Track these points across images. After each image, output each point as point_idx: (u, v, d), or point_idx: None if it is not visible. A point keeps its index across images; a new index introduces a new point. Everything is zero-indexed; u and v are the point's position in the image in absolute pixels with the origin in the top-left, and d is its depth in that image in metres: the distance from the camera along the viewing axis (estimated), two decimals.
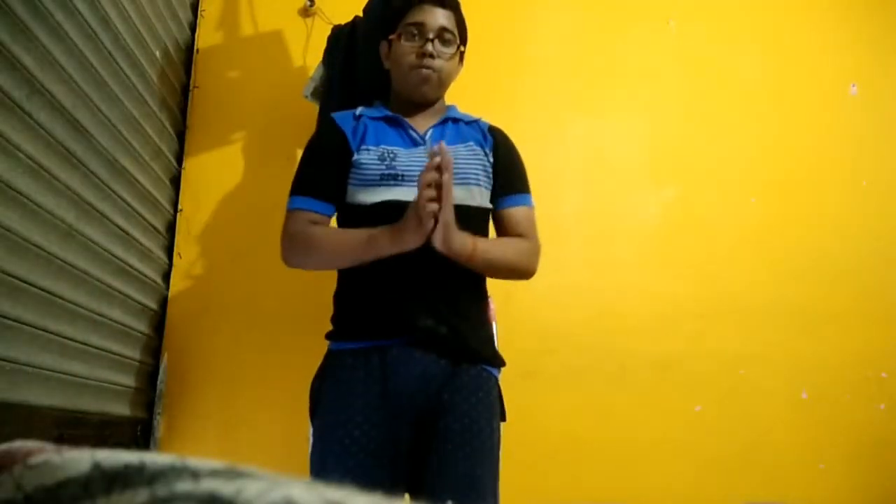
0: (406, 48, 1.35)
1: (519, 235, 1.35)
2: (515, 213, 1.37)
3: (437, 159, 1.11)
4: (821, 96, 2.22)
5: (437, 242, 1.15)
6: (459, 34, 1.39)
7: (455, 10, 1.39)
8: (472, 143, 1.38)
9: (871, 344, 2.03)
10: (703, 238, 2.08)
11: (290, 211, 1.31)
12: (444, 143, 1.13)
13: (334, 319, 1.33)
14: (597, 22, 2.23)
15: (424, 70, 1.33)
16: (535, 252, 1.35)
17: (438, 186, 1.11)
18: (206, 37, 2.13)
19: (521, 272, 1.35)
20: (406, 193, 1.25)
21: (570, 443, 1.90)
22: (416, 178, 1.24)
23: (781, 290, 2.05)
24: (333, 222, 1.36)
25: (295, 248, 1.29)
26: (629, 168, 2.12)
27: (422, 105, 1.40)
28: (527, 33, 2.21)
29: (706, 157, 2.15)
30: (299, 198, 1.31)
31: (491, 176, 1.37)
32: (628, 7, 2.25)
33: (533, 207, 1.40)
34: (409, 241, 1.16)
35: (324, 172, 1.34)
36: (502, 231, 1.38)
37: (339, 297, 1.34)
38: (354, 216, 1.30)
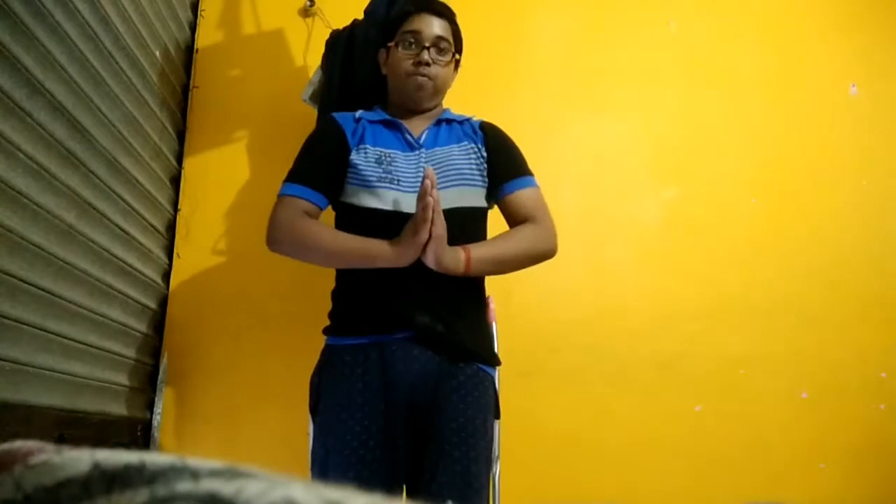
0: (403, 56, 1.38)
1: (526, 218, 1.35)
2: (519, 196, 1.37)
3: (427, 182, 1.14)
4: (821, 96, 2.22)
5: (430, 259, 1.18)
6: (455, 43, 1.43)
7: (451, 20, 1.43)
8: (465, 142, 1.40)
9: (871, 344, 2.03)
10: (703, 238, 2.08)
11: (282, 196, 1.32)
12: (430, 169, 1.16)
13: (332, 315, 1.34)
14: (597, 22, 2.23)
15: (420, 78, 1.37)
16: (545, 231, 1.35)
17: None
18: (206, 37, 2.13)
19: (537, 257, 1.34)
20: (402, 198, 1.29)
21: (570, 443, 1.90)
22: (412, 182, 1.28)
23: (781, 290, 2.05)
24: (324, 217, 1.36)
25: (283, 236, 1.28)
26: (629, 168, 2.12)
27: (418, 111, 1.42)
28: (527, 33, 2.21)
29: (706, 157, 2.15)
30: (293, 185, 1.32)
31: (485, 173, 1.39)
32: (628, 7, 2.25)
33: (537, 187, 1.40)
34: (405, 255, 1.19)
35: (320, 165, 1.35)
36: (511, 218, 1.38)
37: (337, 294, 1.36)
38: (352, 217, 1.31)
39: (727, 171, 2.14)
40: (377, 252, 1.21)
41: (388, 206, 1.28)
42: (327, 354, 1.30)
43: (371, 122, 1.40)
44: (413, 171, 1.33)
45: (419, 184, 1.19)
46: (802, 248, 2.08)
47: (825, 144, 2.18)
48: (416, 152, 1.36)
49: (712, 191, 2.12)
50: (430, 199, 1.14)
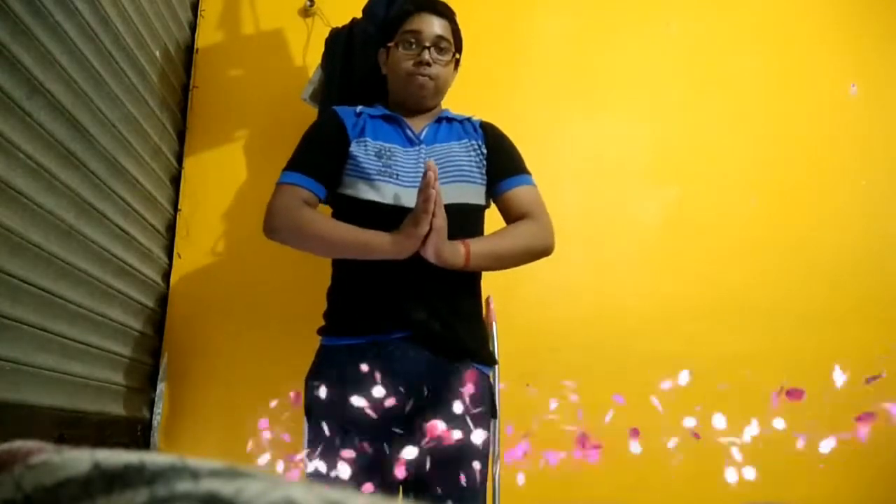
0: (403, 56, 1.38)
1: (524, 215, 1.35)
2: (516, 194, 1.38)
3: (430, 174, 1.14)
4: (821, 96, 2.22)
5: (429, 252, 1.18)
6: (455, 42, 1.43)
7: (451, 19, 1.43)
8: (465, 139, 1.41)
9: (871, 344, 2.03)
10: (703, 238, 2.08)
11: (281, 184, 1.31)
12: (432, 161, 1.16)
13: (327, 314, 1.33)
14: (597, 22, 2.23)
15: (420, 77, 1.37)
16: (543, 229, 1.35)
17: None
18: (206, 37, 2.13)
19: (534, 254, 1.34)
20: (402, 193, 1.28)
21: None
22: (412, 177, 1.28)
23: (781, 290, 2.05)
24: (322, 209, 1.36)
25: (281, 224, 1.27)
26: (629, 168, 2.12)
27: (418, 111, 1.43)
28: (527, 33, 2.21)
29: (706, 157, 2.15)
30: (293, 173, 1.32)
31: (485, 171, 1.39)
32: (628, 8, 2.25)
33: (534, 186, 1.41)
34: (405, 247, 1.18)
35: (320, 155, 1.35)
36: (508, 215, 1.38)
37: (333, 293, 1.35)
38: (350, 209, 1.31)
39: (727, 171, 2.14)
40: (376, 243, 1.20)
41: (387, 200, 1.28)
42: (322, 355, 1.30)
43: (372, 116, 1.40)
44: (413, 166, 1.33)
45: (419, 179, 1.19)
46: (802, 248, 2.08)
47: (825, 144, 2.18)
48: (416, 148, 1.36)
49: (712, 191, 2.12)
50: (431, 191, 1.13)
